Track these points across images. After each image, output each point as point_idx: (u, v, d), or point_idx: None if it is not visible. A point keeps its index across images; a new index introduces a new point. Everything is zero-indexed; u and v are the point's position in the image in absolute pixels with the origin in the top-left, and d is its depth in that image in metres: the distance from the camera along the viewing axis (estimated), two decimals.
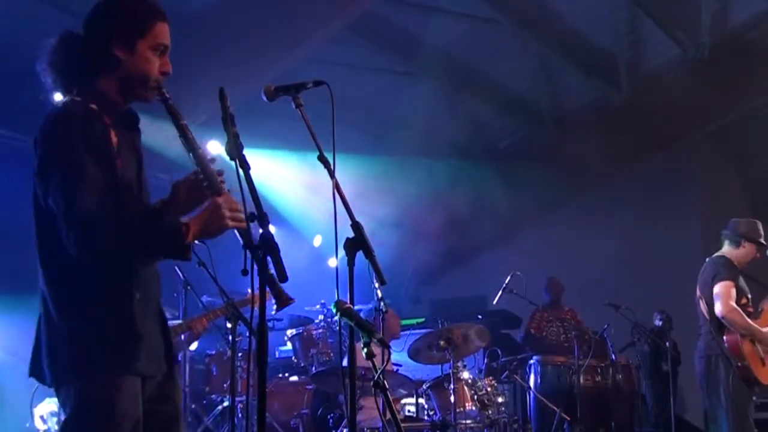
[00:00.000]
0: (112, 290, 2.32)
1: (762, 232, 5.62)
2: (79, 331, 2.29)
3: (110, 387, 2.28)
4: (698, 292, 5.62)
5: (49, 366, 2.33)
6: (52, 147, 2.28)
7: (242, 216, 2.32)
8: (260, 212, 2.19)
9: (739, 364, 5.32)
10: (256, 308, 2.18)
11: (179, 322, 5.32)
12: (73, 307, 2.32)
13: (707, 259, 5.69)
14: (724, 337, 5.41)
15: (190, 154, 2.43)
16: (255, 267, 2.17)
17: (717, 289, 5.40)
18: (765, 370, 5.41)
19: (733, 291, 5.39)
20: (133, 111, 2.55)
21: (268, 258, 2.16)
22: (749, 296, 5.57)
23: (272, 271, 2.18)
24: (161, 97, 2.44)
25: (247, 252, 2.17)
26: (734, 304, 5.35)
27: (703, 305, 5.55)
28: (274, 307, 2.29)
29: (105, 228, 2.23)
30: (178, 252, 2.35)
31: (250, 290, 5.44)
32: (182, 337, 5.30)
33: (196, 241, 3.04)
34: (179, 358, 5.82)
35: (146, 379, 2.41)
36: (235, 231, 2.33)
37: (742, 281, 5.55)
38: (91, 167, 2.25)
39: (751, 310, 5.52)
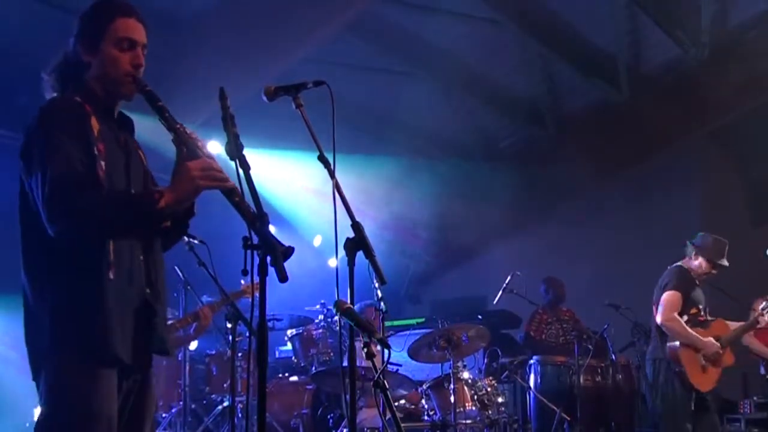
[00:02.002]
0: (83, 269, 2.33)
1: (724, 253, 5.65)
2: (50, 314, 2.31)
3: (82, 380, 2.27)
4: (654, 298, 5.71)
5: (29, 355, 2.37)
6: (34, 130, 2.40)
7: (220, 175, 2.35)
8: (260, 212, 2.19)
9: (676, 369, 5.45)
10: (256, 310, 2.16)
11: (184, 315, 5.34)
12: (45, 291, 2.34)
13: (668, 268, 5.76)
14: (667, 343, 5.53)
15: (172, 133, 2.48)
16: (254, 267, 2.15)
17: (663, 297, 5.53)
18: (705, 377, 5.50)
19: (679, 302, 5.50)
20: (126, 115, 2.64)
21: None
22: (701, 306, 5.66)
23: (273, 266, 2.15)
24: (138, 88, 2.49)
25: (248, 252, 2.16)
26: (675, 314, 5.47)
27: (654, 311, 5.67)
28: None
29: (77, 190, 2.27)
30: (152, 217, 2.38)
31: (243, 281, 5.40)
32: (191, 329, 5.31)
33: (197, 241, 3.02)
34: (179, 358, 5.83)
35: (123, 377, 2.39)
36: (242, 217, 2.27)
37: (697, 292, 5.63)
38: (67, 144, 2.33)
39: (701, 319, 5.63)
